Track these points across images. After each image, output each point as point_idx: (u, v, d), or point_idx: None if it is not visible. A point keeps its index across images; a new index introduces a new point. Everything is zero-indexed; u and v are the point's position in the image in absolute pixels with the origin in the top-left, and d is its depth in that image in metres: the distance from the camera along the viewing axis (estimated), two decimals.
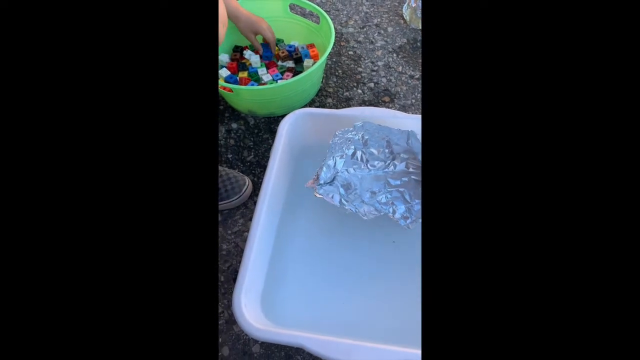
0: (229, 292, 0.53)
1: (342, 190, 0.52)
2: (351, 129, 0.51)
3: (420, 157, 0.50)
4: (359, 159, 0.54)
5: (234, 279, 0.53)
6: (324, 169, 0.51)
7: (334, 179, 0.52)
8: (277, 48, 0.74)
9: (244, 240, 0.56)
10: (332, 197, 0.51)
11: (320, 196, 0.50)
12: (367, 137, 0.53)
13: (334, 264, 0.51)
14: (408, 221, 0.50)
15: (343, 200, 0.51)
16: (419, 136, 0.50)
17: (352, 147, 0.53)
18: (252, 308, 0.42)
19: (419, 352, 0.37)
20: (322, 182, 0.51)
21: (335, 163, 0.53)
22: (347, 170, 0.53)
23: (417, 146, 0.50)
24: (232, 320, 0.50)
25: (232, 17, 0.67)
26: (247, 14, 0.68)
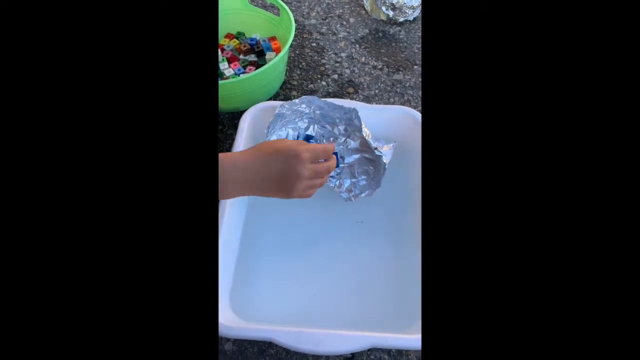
0: None
1: None
2: (298, 101, 0.51)
3: (363, 132, 0.51)
4: (315, 134, 0.55)
5: None
6: (274, 137, 0.51)
7: None
8: (238, 42, 0.73)
9: None
10: None
11: None
12: (318, 112, 0.53)
13: (302, 254, 0.51)
14: (351, 194, 0.52)
15: None
16: (364, 114, 0.51)
17: (306, 120, 0.54)
18: (220, 305, 0.42)
19: (387, 335, 0.38)
20: None
21: (287, 134, 0.53)
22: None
23: (360, 124, 0.52)
24: None
25: None
26: None
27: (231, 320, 0.41)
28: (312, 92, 0.71)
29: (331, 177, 0.53)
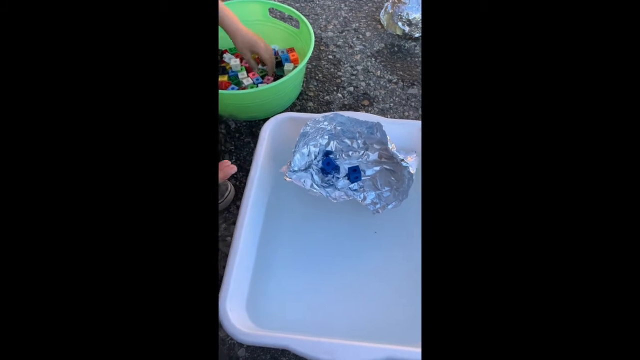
0: None
1: (316, 177, 0.54)
2: (322, 118, 0.52)
3: (389, 145, 0.52)
4: (334, 149, 0.56)
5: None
6: (298, 156, 0.53)
7: (309, 166, 0.55)
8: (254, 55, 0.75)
9: (227, 245, 0.56)
10: (304, 181, 0.53)
11: (290, 180, 0.52)
12: (339, 127, 0.55)
13: (318, 263, 0.52)
14: (377, 206, 0.52)
15: (315, 186, 0.53)
16: (384, 128, 0.52)
17: (326, 137, 0.55)
18: (237, 312, 0.43)
19: (403, 348, 0.39)
20: (296, 168, 0.53)
21: (309, 151, 0.55)
22: (323, 159, 0.56)
23: (385, 137, 0.53)
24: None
25: (230, 32, 0.65)
26: (246, 30, 0.66)
27: (248, 327, 0.42)
28: (328, 104, 0.72)
29: (355, 190, 0.54)
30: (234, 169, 0.48)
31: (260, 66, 0.73)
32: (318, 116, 0.52)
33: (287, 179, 0.51)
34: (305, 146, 0.54)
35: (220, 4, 0.65)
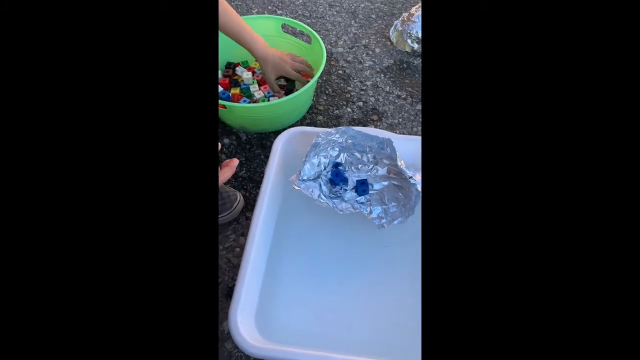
0: (222, 308, 0.52)
1: (324, 188, 0.55)
2: (334, 131, 0.53)
3: (398, 162, 0.53)
4: (344, 161, 0.57)
5: (226, 295, 0.53)
6: (308, 165, 0.54)
7: (318, 176, 0.55)
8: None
9: (236, 256, 0.56)
10: (312, 191, 0.53)
11: (299, 189, 0.52)
12: (350, 141, 0.55)
13: (328, 277, 0.52)
14: (383, 221, 0.53)
15: (322, 196, 0.54)
16: (394, 144, 0.53)
17: (337, 149, 0.56)
18: (247, 324, 0.42)
19: None
20: (305, 177, 0.54)
21: (319, 162, 0.55)
22: (332, 170, 0.56)
23: (395, 153, 0.53)
24: (223, 338, 0.50)
25: (261, 60, 0.66)
26: (272, 53, 0.65)
27: (255, 338, 0.42)
28: (337, 118, 0.73)
29: (361, 203, 0.55)
30: (231, 170, 0.43)
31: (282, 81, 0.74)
32: (330, 129, 0.53)
33: (296, 188, 0.52)
34: (316, 156, 0.55)
35: (245, 25, 0.65)
